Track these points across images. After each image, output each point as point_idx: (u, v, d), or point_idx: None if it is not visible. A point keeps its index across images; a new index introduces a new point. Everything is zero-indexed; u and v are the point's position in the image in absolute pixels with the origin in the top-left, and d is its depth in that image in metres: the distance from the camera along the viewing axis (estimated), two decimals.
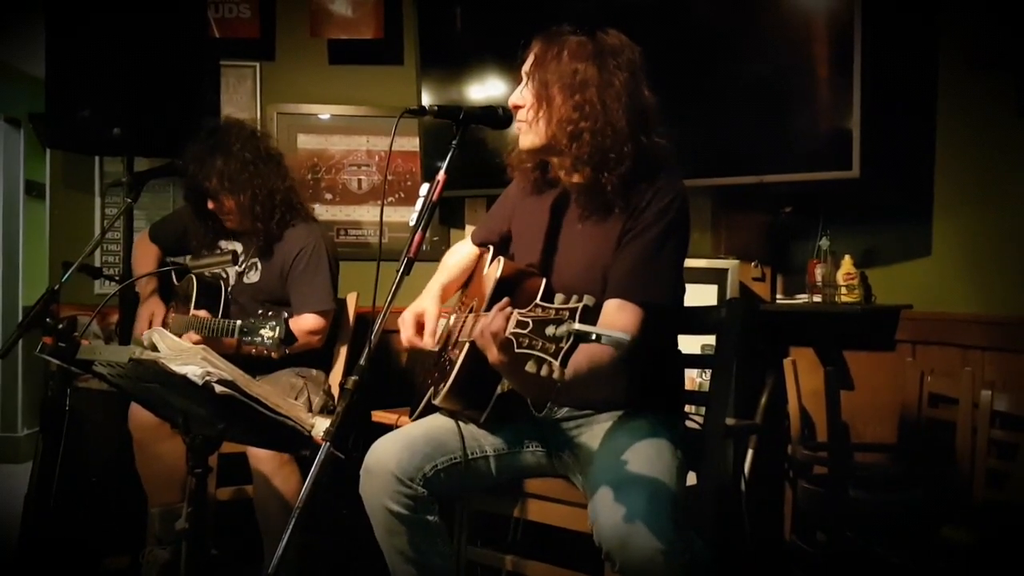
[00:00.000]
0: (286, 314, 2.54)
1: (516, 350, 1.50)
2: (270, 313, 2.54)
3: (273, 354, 2.52)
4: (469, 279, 2.33)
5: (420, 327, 2.11)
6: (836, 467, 2.66)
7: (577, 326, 1.44)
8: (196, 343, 2.60)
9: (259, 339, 2.52)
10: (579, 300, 1.48)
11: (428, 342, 2.09)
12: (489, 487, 2.16)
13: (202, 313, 2.89)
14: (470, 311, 2.11)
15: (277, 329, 2.49)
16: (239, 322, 2.60)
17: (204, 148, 2.89)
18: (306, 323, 2.91)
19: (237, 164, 2.88)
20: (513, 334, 1.51)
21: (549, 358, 1.46)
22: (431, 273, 2.32)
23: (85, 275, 2.79)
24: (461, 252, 2.38)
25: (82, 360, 1.99)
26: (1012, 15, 2.73)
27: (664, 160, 2.01)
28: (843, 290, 3.01)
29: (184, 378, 1.76)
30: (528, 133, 2.01)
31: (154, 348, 1.91)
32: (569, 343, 1.45)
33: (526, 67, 2.02)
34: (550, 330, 1.46)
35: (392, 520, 1.98)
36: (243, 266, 3.05)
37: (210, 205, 2.95)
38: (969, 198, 2.90)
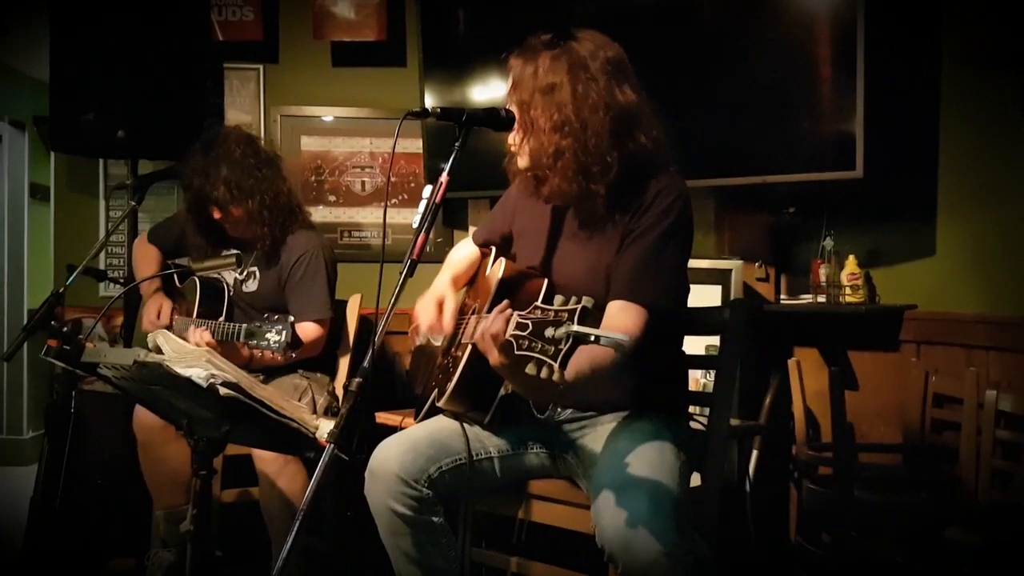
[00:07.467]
0: (292, 318, 2.54)
1: (515, 352, 1.50)
2: (276, 317, 2.54)
3: (279, 357, 2.52)
4: (472, 280, 2.33)
5: (441, 312, 2.10)
6: (841, 468, 2.66)
7: (576, 328, 1.43)
8: (208, 344, 2.61)
9: (265, 343, 2.52)
10: (578, 301, 1.47)
11: (448, 324, 2.07)
12: (493, 488, 2.16)
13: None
14: (473, 312, 2.11)
15: (284, 333, 2.49)
16: (245, 326, 2.60)
17: (207, 159, 2.87)
18: (305, 332, 2.90)
19: (242, 171, 2.87)
20: (513, 336, 1.51)
21: (548, 360, 1.45)
22: (434, 275, 2.31)
23: (90, 278, 2.79)
24: (465, 250, 2.38)
25: (87, 363, 1.99)
26: (1016, 15, 2.73)
27: (659, 158, 2.00)
28: (847, 290, 3.01)
29: (188, 380, 1.77)
30: (520, 155, 2.02)
31: (159, 351, 1.91)
32: (568, 345, 1.44)
33: (507, 89, 2.01)
34: (549, 332, 1.46)
35: (397, 521, 1.98)
36: (242, 274, 3.03)
37: (216, 215, 2.93)
38: (973, 198, 2.89)
